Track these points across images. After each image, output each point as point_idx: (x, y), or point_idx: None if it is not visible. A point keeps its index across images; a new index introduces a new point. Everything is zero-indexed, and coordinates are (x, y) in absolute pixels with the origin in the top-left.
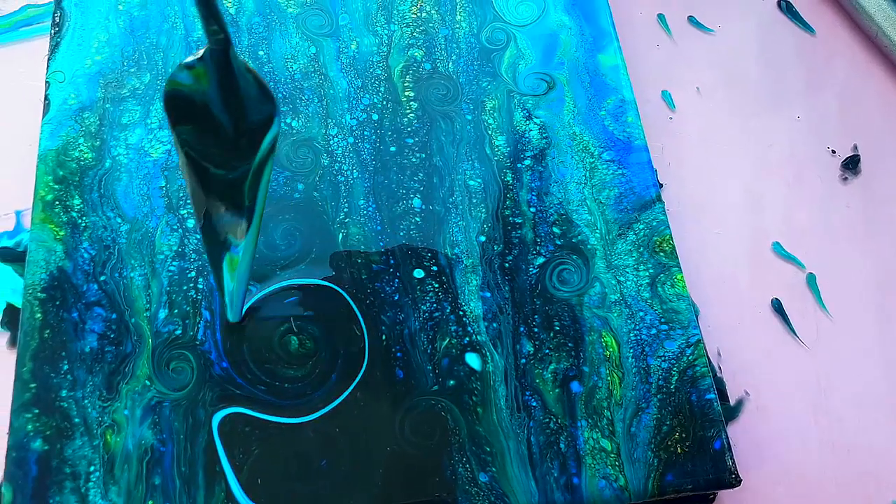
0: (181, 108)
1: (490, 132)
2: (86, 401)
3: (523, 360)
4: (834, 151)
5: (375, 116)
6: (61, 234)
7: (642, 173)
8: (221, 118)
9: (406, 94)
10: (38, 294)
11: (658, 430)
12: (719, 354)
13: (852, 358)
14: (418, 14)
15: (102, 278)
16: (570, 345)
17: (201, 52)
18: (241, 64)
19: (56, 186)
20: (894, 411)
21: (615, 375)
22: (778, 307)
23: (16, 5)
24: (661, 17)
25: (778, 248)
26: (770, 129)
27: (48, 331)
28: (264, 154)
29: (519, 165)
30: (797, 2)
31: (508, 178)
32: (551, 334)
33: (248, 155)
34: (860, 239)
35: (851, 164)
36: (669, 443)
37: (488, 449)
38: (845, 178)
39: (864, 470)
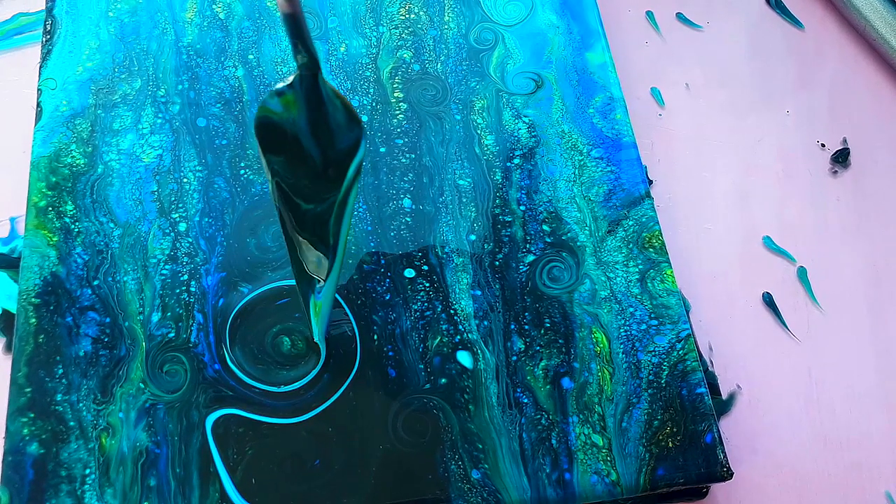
0: (272, 136)
1: (479, 132)
2: (81, 404)
3: (514, 358)
4: (823, 145)
5: (365, 118)
6: (55, 239)
7: (631, 170)
8: (310, 149)
9: (395, 95)
10: (33, 299)
11: (649, 425)
12: (711, 349)
13: (844, 351)
14: (406, 15)
15: (96, 283)
16: (560, 341)
17: (291, 78)
18: (330, 90)
19: (49, 192)
20: (886, 403)
21: (606, 371)
22: (769, 301)
23: (8, 14)
24: (649, 14)
25: (768, 243)
26: (759, 124)
27: (43, 335)
28: (349, 182)
29: (508, 164)
30: None
31: (498, 177)
32: (542, 331)
33: (336, 185)
34: (850, 232)
35: (841, 158)
36: (661, 437)
37: (480, 446)
38: (835, 172)
39: (856, 462)
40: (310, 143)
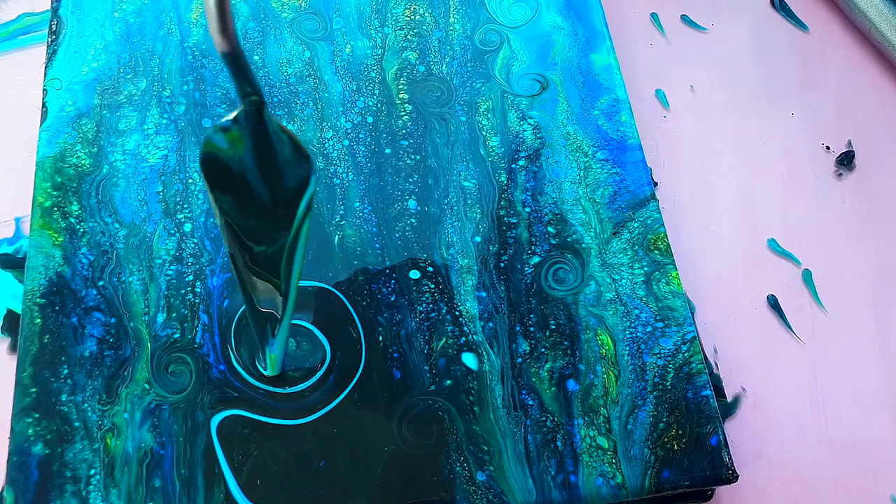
0: (218, 173)
1: (484, 133)
2: (86, 405)
3: (519, 360)
4: (828, 147)
5: (370, 119)
6: (60, 239)
7: (636, 172)
8: (258, 187)
9: (400, 96)
10: (38, 300)
11: (654, 427)
12: (716, 351)
13: (849, 353)
14: (412, 17)
15: (101, 283)
16: (565, 343)
17: (235, 113)
18: (276, 125)
19: (54, 193)
20: (891, 406)
21: (611, 373)
22: (774, 303)
23: (13, 14)
24: (654, 16)
25: (773, 245)
26: (764, 126)
27: (48, 336)
28: (300, 221)
29: (513, 166)
30: None
31: (503, 179)
32: (547, 333)
33: (286, 225)
34: (855, 234)
35: (846, 160)
36: (666, 439)
37: (486, 448)
38: (840, 174)
39: (862, 465)
40: (257, 182)
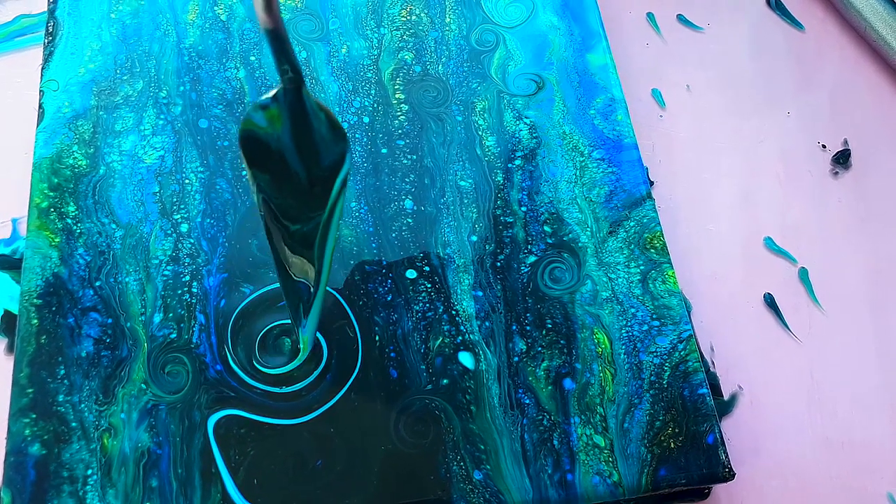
0: (256, 151)
1: (480, 133)
2: (82, 405)
3: (516, 358)
4: (824, 146)
5: (366, 119)
6: (57, 240)
7: (632, 171)
8: (296, 166)
9: (397, 96)
10: (35, 300)
11: (651, 426)
12: (712, 350)
13: (845, 351)
14: (408, 17)
15: (98, 283)
16: (562, 342)
17: (274, 90)
18: (314, 103)
19: (51, 194)
20: (888, 404)
21: (607, 372)
22: (770, 302)
23: (10, 16)
24: (650, 15)
25: (770, 244)
26: (760, 125)
27: (45, 336)
28: (335, 198)
29: (510, 165)
30: None
31: (499, 178)
32: (543, 332)
33: (322, 203)
34: (852, 232)
35: (842, 159)
36: (662, 438)
37: (482, 447)
38: (836, 173)
39: (859, 463)
40: (295, 161)
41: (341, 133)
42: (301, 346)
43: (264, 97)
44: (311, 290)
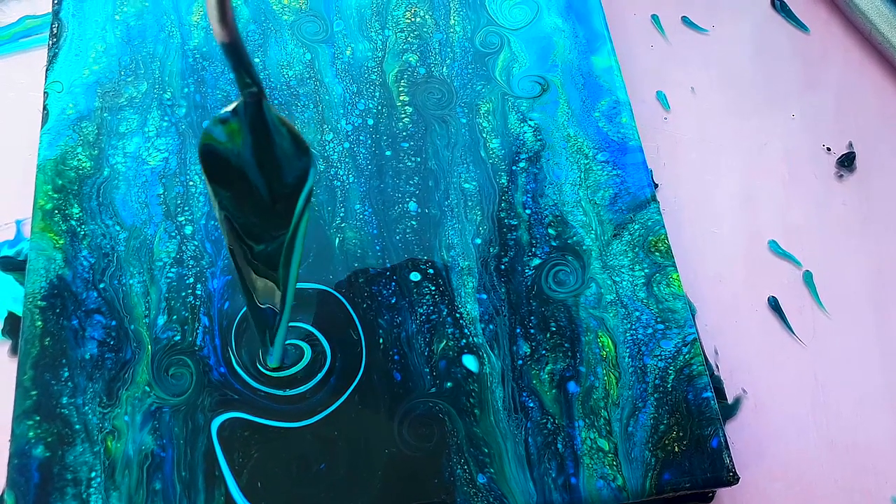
0: (216, 166)
1: (485, 135)
2: (86, 407)
3: (520, 362)
4: (829, 149)
5: (371, 121)
6: (61, 242)
7: (637, 174)
8: (257, 182)
9: (401, 98)
10: (39, 302)
11: (655, 430)
12: (716, 353)
13: (850, 355)
14: (412, 19)
15: (102, 286)
16: (566, 345)
17: (234, 104)
18: (275, 117)
19: (55, 195)
20: (892, 407)
21: (612, 375)
22: (775, 305)
23: (14, 17)
24: (654, 17)
25: (774, 247)
26: (765, 127)
27: (49, 338)
28: (299, 213)
29: (514, 168)
30: (791, 0)
31: (503, 181)
32: (548, 335)
33: (286, 221)
34: (856, 236)
35: (847, 162)
36: (667, 441)
37: (486, 450)
38: (841, 176)
39: (863, 466)
40: (256, 177)
41: (304, 148)
42: (268, 360)
43: (224, 111)
44: (277, 317)
